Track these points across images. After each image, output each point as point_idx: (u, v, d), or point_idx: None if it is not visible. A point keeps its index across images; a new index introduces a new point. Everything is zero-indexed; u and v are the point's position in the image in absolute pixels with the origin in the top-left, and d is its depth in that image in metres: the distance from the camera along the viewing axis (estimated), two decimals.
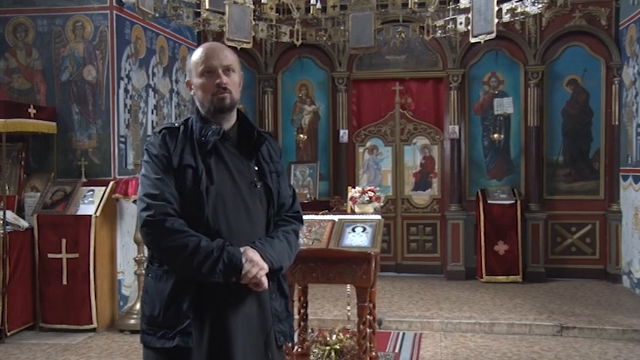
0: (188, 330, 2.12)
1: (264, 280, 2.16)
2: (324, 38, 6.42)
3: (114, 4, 6.35)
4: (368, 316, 3.94)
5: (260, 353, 2.24)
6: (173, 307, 2.14)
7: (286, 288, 2.37)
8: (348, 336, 4.49)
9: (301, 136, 8.57)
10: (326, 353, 4.35)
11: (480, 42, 5.45)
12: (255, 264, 2.13)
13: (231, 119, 2.34)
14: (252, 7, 5.59)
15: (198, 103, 2.32)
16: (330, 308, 6.50)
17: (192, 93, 2.34)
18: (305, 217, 3.99)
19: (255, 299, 2.22)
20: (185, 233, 2.11)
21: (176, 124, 2.31)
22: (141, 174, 2.26)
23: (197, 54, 2.29)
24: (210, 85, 2.25)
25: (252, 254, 2.14)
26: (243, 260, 2.11)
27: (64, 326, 5.89)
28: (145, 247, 2.24)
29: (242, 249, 2.14)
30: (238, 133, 2.35)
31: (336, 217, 4.08)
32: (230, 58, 2.28)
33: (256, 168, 2.32)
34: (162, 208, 2.13)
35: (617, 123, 7.80)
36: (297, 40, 6.16)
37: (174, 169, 2.19)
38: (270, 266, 2.17)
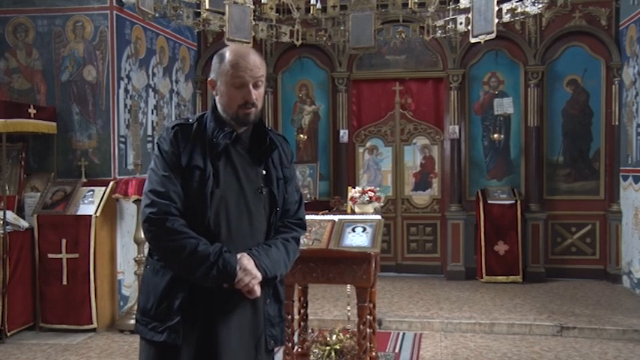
0: (177, 327, 2.14)
1: (257, 288, 2.16)
2: (324, 38, 6.42)
3: (114, 4, 6.35)
4: (368, 316, 3.94)
5: (250, 356, 2.25)
6: (165, 302, 2.16)
7: (282, 293, 2.37)
8: (348, 336, 4.49)
9: (301, 136, 8.57)
10: (326, 353, 4.35)
11: (480, 42, 5.45)
12: (249, 273, 2.13)
13: None
14: (252, 7, 5.59)
15: (219, 106, 2.27)
16: (330, 308, 6.50)
17: (214, 93, 2.29)
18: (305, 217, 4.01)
19: (249, 303, 2.23)
20: (184, 235, 2.11)
21: (190, 120, 2.28)
22: (150, 167, 2.25)
23: (229, 60, 2.21)
24: (239, 98, 2.21)
25: (247, 263, 2.14)
26: (238, 268, 2.11)
27: (64, 326, 5.89)
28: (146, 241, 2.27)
29: (238, 256, 2.14)
30: (251, 136, 2.31)
31: (336, 217, 4.08)
32: (262, 70, 2.23)
33: (264, 172, 2.30)
34: (166, 207, 2.13)
35: (617, 123, 7.80)
36: (297, 40, 6.16)
37: (182, 168, 2.19)
38: (264, 275, 2.18)
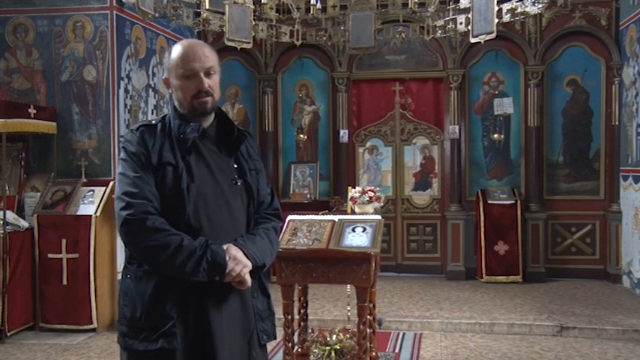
0: (172, 331, 2.09)
1: (248, 278, 2.14)
2: (324, 38, 6.42)
3: (114, 4, 6.35)
4: (368, 316, 3.94)
5: (244, 353, 2.22)
6: (155, 308, 2.10)
7: (267, 286, 2.36)
8: (348, 336, 4.49)
9: (301, 136, 8.57)
10: (326, 353, 4.35)
11: (480, 42, 5.45)
12: (239, 262, 2.11)
13: (210, 117, 2.29)
14: (252, 7, 5.59)
15: (176, 103, 2.26)
16: (330, 308, 6.50)
17: (170, 91, 2.28)
18: (305, 217, 4.02)
19: (237, 298, 2.20)
20: (167, 232, 2.07)
21: (153, 122, 2.26)
22: (118, 172, 2.20)
23: (177, 53, 2.21)
24: (191, 89, 2.19)
25: (236, 252, 2.12)
26: (227, 258, 2.09)
27: (64, 326, 5.89)
28: (125, 246, 2.21)
29: (225, 246, 2.12)
30: (217, 130, 2.30)
31: (336, 217, 4.07)
32: (211, 59, 2.21)
33: (235, 166, 2.29)
34: (143, 207, 2.08)
35: (617, 123, 7.80)
36: (297, 40, 6.16)
37: (154, 166, 2.15)
38: (254, 263, 2.16)
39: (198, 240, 2.08)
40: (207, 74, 2.20)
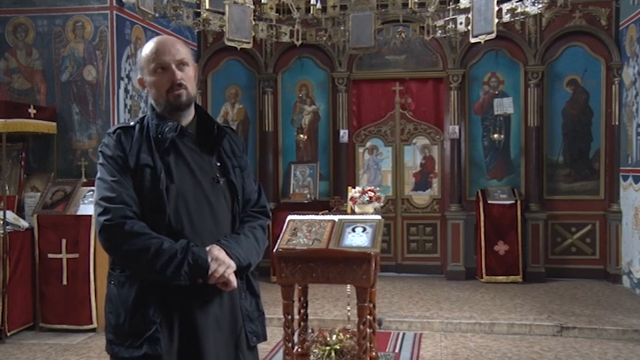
0: (156, 336, 2.05)
1: (233, 278, 2.10)
2: (324, 38, 6.42)
3: (114, 4, 6.36)
4: (368, 316, 3.93)
5: (231, 355, 2.18)
6: (138, 313, 2.06)
7: (256, 286, 2.31)
8: (348, 336, 4.49)
9: (301, 136, 8.57)
10: (326, 353, 4.35)
11: (480, 42, 5.46)
12: (222, 262, 2.06)
13: (189, 115, 2.25)
14: (252, 7, 5.59)
15: (152, 101, 2.23)
16: (330, 308, 6.50)
17: (145, 91, 2.25)
18: (305, 217, 4.02)
19: (224, 299, 2.16)
20: (146, 236, 2.03)
21: (131, 123, 2.23)
22: (97, 177, 2.17)
23: (147, 49, 2.19)
24: (164, 82, 2.16)
25: (218, 252, 2.07)
26: (209, 259, 2.04)
27: (64, 326, 5.89)
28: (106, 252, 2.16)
29: (207, 248, 2.08)
30: (197, 128, 2.26)
31: (336, 217, 4.07)
32: (183, 52, 2.19)
33: (218, 164, 2.24)
34: (121, 211, 2.04)
35: (617, 123, 7.80)
36: (297, 40, 6.16)
37: (131, 169, 2.11)
38: (238, 264, 2.11)
39: (179, 242, 2.04)
40: (180, 66, 2.17)
